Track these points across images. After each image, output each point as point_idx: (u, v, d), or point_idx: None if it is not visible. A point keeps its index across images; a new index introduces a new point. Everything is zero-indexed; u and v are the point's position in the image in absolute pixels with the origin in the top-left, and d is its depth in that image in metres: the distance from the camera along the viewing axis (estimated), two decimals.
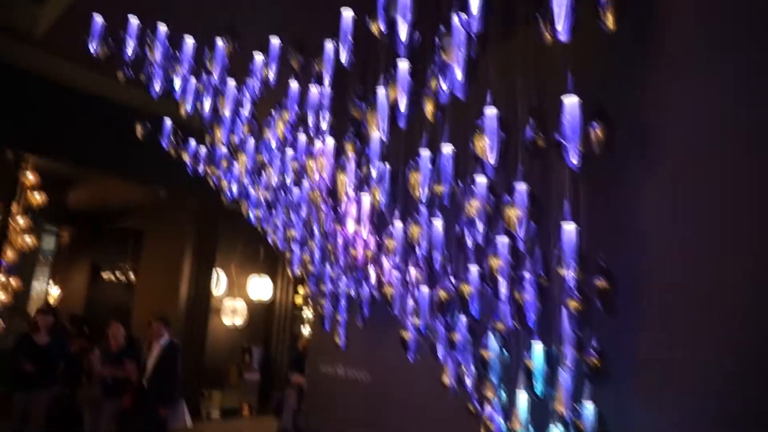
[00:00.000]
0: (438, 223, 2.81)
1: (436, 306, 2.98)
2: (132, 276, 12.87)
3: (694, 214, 2.58)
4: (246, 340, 11.04)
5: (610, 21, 2.00)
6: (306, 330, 10.76)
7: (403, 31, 2.14)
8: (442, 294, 2.87)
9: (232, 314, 10.66)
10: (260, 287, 11.11)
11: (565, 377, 2.43)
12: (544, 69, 2.52)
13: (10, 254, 9.21)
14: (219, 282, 10.59)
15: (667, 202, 2.68)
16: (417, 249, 2.90)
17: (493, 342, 2.82)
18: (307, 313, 10.88)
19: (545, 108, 2.38)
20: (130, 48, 3.43)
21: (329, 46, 2.77)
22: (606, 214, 2.76)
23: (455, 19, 1.95)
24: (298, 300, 11.46)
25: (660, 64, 2.80)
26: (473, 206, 2.47)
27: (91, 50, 3.55)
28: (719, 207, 2.52)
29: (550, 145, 2.20)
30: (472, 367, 3.04)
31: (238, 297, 10.85)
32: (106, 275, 13.38)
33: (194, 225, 9.86)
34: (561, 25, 1.81)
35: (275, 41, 3.15)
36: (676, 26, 2.78)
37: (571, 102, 2.06)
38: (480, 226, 2.47)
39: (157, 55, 3.39)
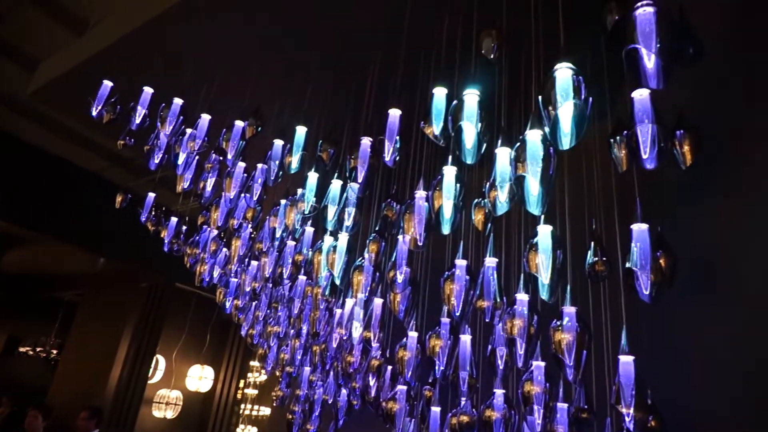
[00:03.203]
0: (466, 339, 2.62)
1: (449, 429, 2.72)
2: (55, 353, 11.70)
3: (754, 353, 2.50)
4: None
5: (687, 155, 2.00)
6: (246, 430, 9.89)
7: (469, 139, 2.07)
8: (462, 417, 2.62)
9: (165, 406, 9.71)
10: (201, 378, 10.26)
11: None
12: (599, 191, 2.50)
13: None
14: (156, 369, 9.72)
15: (723, 336, 2.61)
16: (436, 364, 2.67)
17: None
18: (248, 410, 10.05)
19: (602, 231, 2.32)
20: (139, 117, 3.26)
21: (365, 141, 2.67)
22: (656, 347, 2.65)
23: (534, 134, 1.89)
24: (239, 394, 10.63)
25: (721, 195, 2.83)
26: (515, 325, 2.31)
27: (94, 114, 3.36)
28: None
29: (610, 272, 2.11)
30: None
31: (174, 387, 9.94)
32: (25, 348, 12.11)
33: (139, 304, 9.15)
34: (647, 154, 1.78)
35: (302, 130, 3.04)
36: (744, 156, 2.85)
37: (639, 229, 2.00)
38: (520, 347, 2.30)
39: (168, 127, 3.21)
